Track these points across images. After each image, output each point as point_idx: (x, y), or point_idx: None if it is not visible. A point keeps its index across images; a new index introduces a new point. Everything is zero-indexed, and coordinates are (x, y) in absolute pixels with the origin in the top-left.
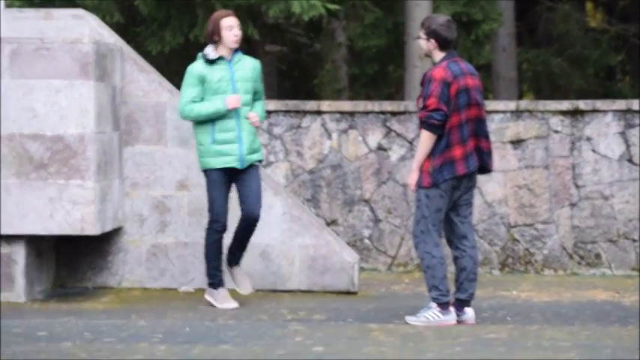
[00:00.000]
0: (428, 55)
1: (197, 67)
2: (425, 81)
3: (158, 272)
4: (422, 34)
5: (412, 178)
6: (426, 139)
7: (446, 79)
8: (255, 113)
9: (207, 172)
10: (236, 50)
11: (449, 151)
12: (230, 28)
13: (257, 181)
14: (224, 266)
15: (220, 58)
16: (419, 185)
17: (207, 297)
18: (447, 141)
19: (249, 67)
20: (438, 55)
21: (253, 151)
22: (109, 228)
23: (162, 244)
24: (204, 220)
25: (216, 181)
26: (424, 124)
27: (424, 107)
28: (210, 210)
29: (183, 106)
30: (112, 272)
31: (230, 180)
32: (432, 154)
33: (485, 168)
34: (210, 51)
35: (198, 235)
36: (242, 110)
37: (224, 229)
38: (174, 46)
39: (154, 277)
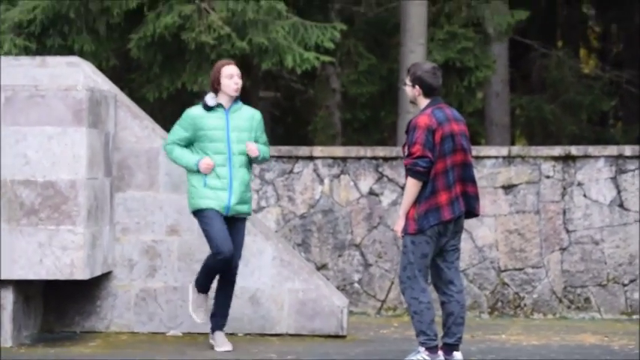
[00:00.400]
0: (413, 101)
1: (193, 112)
2: (409, 129)
3: (147, 317)
4: (407, 81)
5: (398, 225)
6: (411, 186)
7: (430, 125)
8: (255, 145)
9: (197, 213)
10: (236, 100)
11: (434, 197)
12: (230, 76)
13: (242, 235)
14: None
15: (219, 105)
16: (405, 232)
17: (191, 296)
18: (432, 187)
19: (246, 117)
20: (423, 102)
21: (242, 202)
22: (98, 273)
23: (152, 289)
24: (195, 264)
25: (210, 216)
26: (409, 171)
27: (409, 155)
28: (211, 246)
29: (167, 144)
30: (101, 317)
31: None
32: (417, 201)
33: (472, 212)
34: (209, 98)
35: (187, 280)
36: (235, 160)
37: (228, 259)
38: (171, 92)
39: (143, 322)
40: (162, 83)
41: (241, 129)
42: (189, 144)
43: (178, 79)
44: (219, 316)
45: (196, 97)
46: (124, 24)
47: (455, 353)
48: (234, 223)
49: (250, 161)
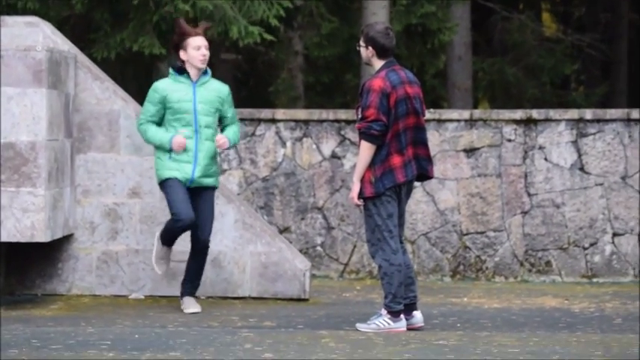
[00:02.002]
0: (367, 63)
1: (160, 84)
2: (363, 91)
3: (108, 279)
4: (361, 42)
5: (354, 191)
6: (365, 150)
7: (384, 89)
8: (224, 136)
9: (163, 182)
10: (205, 71)
11: (388, 160)
12: (198, 47)
13: (210, 206)
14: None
15: (186, 75)
16: (362, 196)
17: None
18: (387, 150)
19: (214, 90)
20: (377, 63)
21: (207, 175)
22: (59, 235)
23: (113, 252)
24: (156, 227)
25: (173, 185)
26: (363, 134)
27: (363, 118)
28: (172, 212)
29: (140, 124)
30: (62, 279)
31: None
32: (372, 164)
33: (425, 175)
34: (178, 65)
35: (149, 243)
36: (202, 132)
37: (187, 225)
38: (120, 53)
39: (104, 285)
40: (109, 43)
41: (209, 101)
42: (161, 119)
43: (117, 38)
44: (189, 284)
45: (159, 60)
46: None
47: (414, 313)
48: (200, 193)
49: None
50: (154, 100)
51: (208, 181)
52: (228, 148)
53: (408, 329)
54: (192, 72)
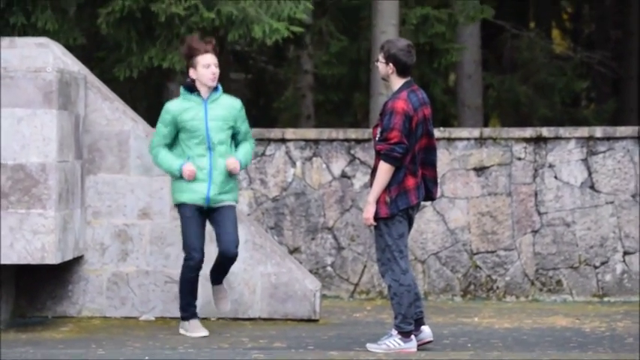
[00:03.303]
0: (385, 79)
1: (171, 106)
2: (385, 112)
3: (119, 301)
4: (381, 58)
5: (369, 212)
6: (385, 171)
7: (408, 112)
8: (235, 159)
9: (178, 207)
10: (215, 88)
11: (404, 181)
12: (207, 65)
13: (231, 221)
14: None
15: (197, 93)
16: (376, 217)
17: (180, 330)
18: (403, 172)
19: (226, 106)
20: (397, 82)
21: (224, 192)
22: (69, 257)
23: (124, 273)
24: (167, 248)
25: (188, 216)
26: (385, 156)
27: (385, 139)
28: (184, 246)
29: (152, 147)
30: (73, 301)
31: (204, 218)
32: (388, 185)
33: (429, 196)
34: (189, 82)
35: (159, 264)
36: (216, 149)
37: (199, 265)
38: (142, 70)
39: (115, 306)
40: (132, 61)
41: (221, 118)
42: (174, 138)
43: (146, 56)
44: (217, 273)
45: (167, 78)
46: (90, 1)
47: (423, 327)
48: (220, 211)
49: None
50: (165, 121)
51: (226, 198)
52: (240, 170)
53: (419, 345)
54: (203, 90)
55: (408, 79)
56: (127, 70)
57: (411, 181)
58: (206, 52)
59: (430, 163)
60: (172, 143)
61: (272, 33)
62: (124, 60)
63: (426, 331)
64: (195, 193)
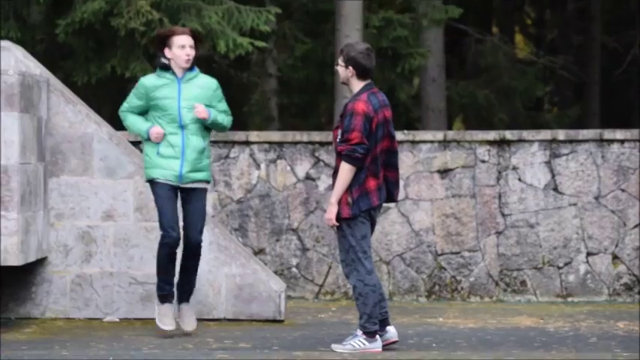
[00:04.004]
0: (345, 82)
1: (147, 81)
2: (346, 113)
3: (82, 302)
4: (340, 62)
5: (331, 212)
6: (347, 172)
7: (368, 113)
8: (205, 108)
9: (151, 183)
10: (191, 68)
11: (365, 182)
12: (182, 47)
13: (201, 204)
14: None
15: (171, 72)
16: (338, 217)
17: (155, 309)
18: (364, 173)
19: (201, 85)
20: (357, 85)
21: (196, 170)
22: (32, 258)
23: (87, 274)
24: (131, 250)
25: (161, 194)
26: (347, 157)
27: (345, 140)
28: (160, 222)
29: (122, 110)
30: (36, 303)
31: (176, 196)
32: (349, 186)
33: (390, 198)
34: (162, 60)
35: (123, 265)
36: (189, 127)
37: (175, 241)
38: (100, 77)
39: (79, 308)
40: (90, 68)
41: (195, 97)
42: (143, 112)
43: (107, 65)
44: (185, 287)
45: (130, 82)
46: (51, 10)
47: (388, 328)
48: (192, 193)
49: (207, 128)
50: (138, 95)
51: (199, 175)
52: (213, 127)
53: (384, 345)
54: (177, 70)
55: (368, 81)
56: (85, 77)
57: (372, 183)
58: (183, 33)
59: (392, 165)
60: (142, 115)
61: (235, 47)
62: (82, 66)
63: (392, 331)
64: (167, 170)
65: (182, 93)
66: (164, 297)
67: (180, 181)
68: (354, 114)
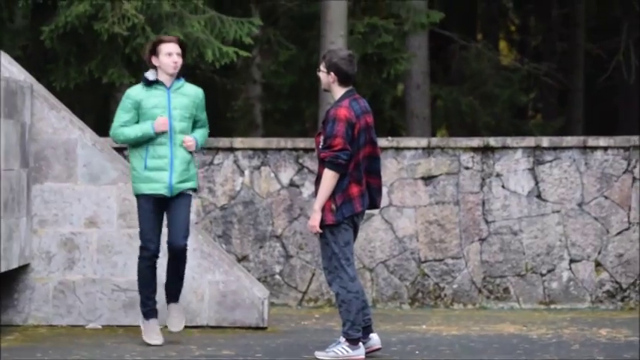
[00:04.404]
0: (327, 89)
1: (133, 92)
2: (328, 119)
3: (65, 309)
4: (322, 68)
5: (315, 219)
6: (330, 179)
7: (350, 119)
8: (192, 137)
9: (138, 197)
10: (178, 77)
11: (348, 189)
12: (169, 54)
13: (185, 209)
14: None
15: (159, 83)
16: (322, 224)
17: (141, 325)
18: (347, 180)
19: (189, 94)
20: (338, 91)
21: (185, 180)
22: (15, 265)
23: (70, 281)
24: (114, 256)
25: (146, 209)
26: (330, 163)
27: (328, 147)
28: (140, 237)
29: (114, 130)
30: (18, 310)
31: (162, 208)
32: (332, 193)
33: (373, 204)
34: (149, 73)
35: (106, 272)
36: (177, 138)
37: (154, 255)
38: (79, 83)
39: (61, 315)
40: (69, 73)
41: (184, 106)
42: (137, 123)
43: (87, 69)
44: (172, 291)
45: (115, 89)
46: (36, 15)
47: (371, 335)
48: (178, 199)
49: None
50: (127, 107)
51: (187, 185)
52: (195, 151)
53: (368, 352)
54: (165, 78)
55: (350, 88)
56: (64, 82)
57: (355, 189)
58: (170, 41)
59: (374, 171)
60: None
61: (222, 56)
62: (62, 71)
63: (375, 338)
64: (157, 183)
65: (172, 102)
66: (148, 313)
67: (171, 192)
68: (336, 120)
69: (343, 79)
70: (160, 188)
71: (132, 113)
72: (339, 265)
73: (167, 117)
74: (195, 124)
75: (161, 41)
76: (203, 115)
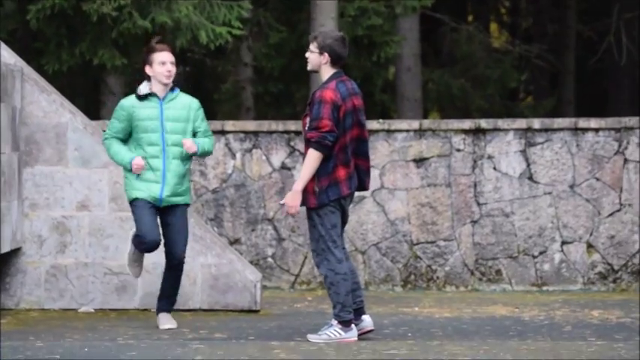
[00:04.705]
0: (315, 70)
1: (126, 102)
2: (314, 101)
3: (57, 293)
4: (313, 48)
5: (294, 199)
6: (315, 159)
7: (336, 101)
8: (192, 140)
9: (132, 202)
10: (173, 88)
11: (334, 172)
12: (162, 63)
13: (182, 222)
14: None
15: (152, 95)
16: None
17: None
18: (333, 162)
19: (182, 106)
20: (327, 72)
21: (176, 194)
22: (6, 249)
23: (62, 265)
24: (106, 240)
25: (142, 208)
26: (317, 144)
27: (315, 128)
28: (138, 229)
29: (105, 138)
30: (10, 294)
31: (157, 211)
32: (317, 175)
33: (362, 186)
34: (142, 87)
35: (98, 256)
36: (169, 151)
37: (155, 244)
38: (72, 65)
39: (53, 298)
40: (61, 56)
41: (177, 119)
42: (128, 135)
43: (77, 51)
44: (165, 300)
45: (106, 73)
46: None
47: (364, 317)
48: (172, 209)
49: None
50: (120, 117)
51: (178, 200)
52: (199, 156)
53: (360, 334)
54: (159, 88)
55: (338, 70)
56: (57, 64)
57: (342, 172)
58: (162, 50)
59: (362, 153)
60: (126, 140)
61: (215, 38)
62: (53, 54)
63: (367, 320)
64: (147, 193)
65: (164, 114)
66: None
67: (160, 204)
68: (322, 102)
69: (335, 60)
70: (150, 199)
71: (125, 124)
72: (326, 247)
73: (161, 131)
74: (195, 135)
75: (154, 50)
76: (203, 125)
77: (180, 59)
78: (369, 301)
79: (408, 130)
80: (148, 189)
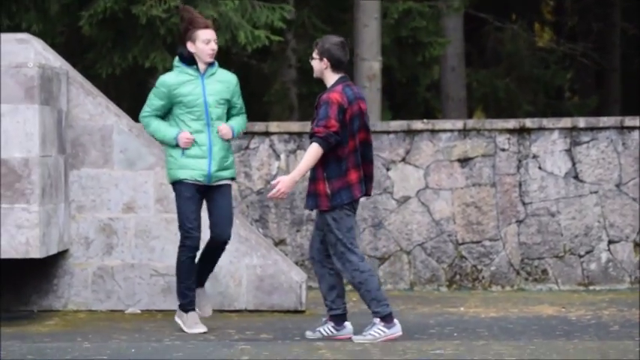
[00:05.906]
0: (319, 76)
1: (167, 79)
2: (320, 104)
3: (104, 294)
4: (315, 55)
5: (288, 186)
6: (316, 154)
7: (342, 104)
8: (227, 125)
9: (175, 185)
10: (212, 63)
11: (346, 175)
12: (207, 41)
13: (228, 200)
14: None
15: (194, 64)
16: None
17: (177, 319)
18: (345, 165)
19: (223, 80)
20: (331, 77)
21: (224, 169)
22: (54, 251)
23: (109, 267)
24: (152, 241)
25: (185, 195)
26: (322, 139)
27: (324, 127)
28: (181, 226)
29: (143, 116)
30: (58, 295)
31: (201, 196)
32: (329, 177)
33: (365, 192)
34: (186, 51)
35: (145, 257)
36: (214, 125)
37: (197, 244)
38: (124, 68)
39: (100, 300)
40: (113, 59)
41: (219, 92)
42: (167, 112)
43: (130, 55)
44: (202, 272)
45: (150, 75)
46: (72, 1)
47: (345, 323)
48: (218, 189)
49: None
50: (160, 95)
51: (225, 174)
52: (233, 138)
53: (339, 339)
54: (200, 65)
55: (343, 74)
56: (110, 68)
57: (354, 175)
58: (207, 27)
59: (367, 157)
60: (164, 117)
61: (254, 40)
62: (105, 58)
63: (349, 327)
64: (195, 170)
65: (206, 88)
66: (188, 305)
67: (209, 181)
68: (330, 103)
69: (336, 65)
70: (197, 176)
71: (165, 101)
72: (345, 249)
73: (204, 106)
74: (230, 111)
75: (198, 26)
76: (239, 102)
77: (223, 60)
78: (415, 301)
79: (452, 130)
80: (196, 165)
